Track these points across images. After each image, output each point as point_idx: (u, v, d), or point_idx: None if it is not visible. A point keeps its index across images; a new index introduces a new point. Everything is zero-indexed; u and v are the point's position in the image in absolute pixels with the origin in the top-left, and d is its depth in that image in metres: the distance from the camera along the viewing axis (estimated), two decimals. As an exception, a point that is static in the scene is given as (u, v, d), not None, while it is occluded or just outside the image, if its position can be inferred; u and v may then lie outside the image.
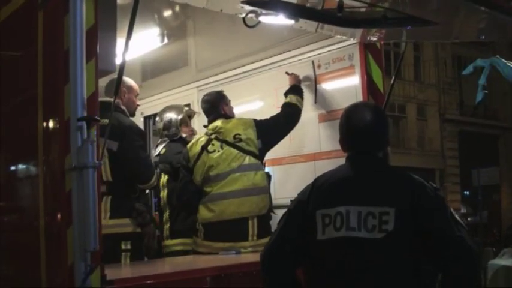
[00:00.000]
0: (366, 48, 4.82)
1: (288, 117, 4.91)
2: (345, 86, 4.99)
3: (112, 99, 3.41)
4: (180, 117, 5.45)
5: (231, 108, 5.07)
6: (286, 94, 5.02)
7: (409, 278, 2.60)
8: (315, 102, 5.18)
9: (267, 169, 4.93)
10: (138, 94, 4.83)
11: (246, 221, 4.57)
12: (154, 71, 6.62)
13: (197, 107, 6.07)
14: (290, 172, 5.37)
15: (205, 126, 4.99)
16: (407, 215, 2.59)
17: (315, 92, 5.17)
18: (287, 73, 5.20)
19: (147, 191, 5.05)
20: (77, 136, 2.83)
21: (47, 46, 3.09)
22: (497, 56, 8.19)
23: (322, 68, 5.15)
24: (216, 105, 4.95)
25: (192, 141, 5.00)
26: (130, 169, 4.42)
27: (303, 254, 2.82)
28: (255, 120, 4.83)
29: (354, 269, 2.61)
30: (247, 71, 5.75)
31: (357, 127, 2.85)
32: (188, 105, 6.21)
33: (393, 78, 4.77)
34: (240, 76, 5.82)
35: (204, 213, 4.70)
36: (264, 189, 4.71)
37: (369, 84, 4.77)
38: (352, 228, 2.64)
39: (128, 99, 4.69)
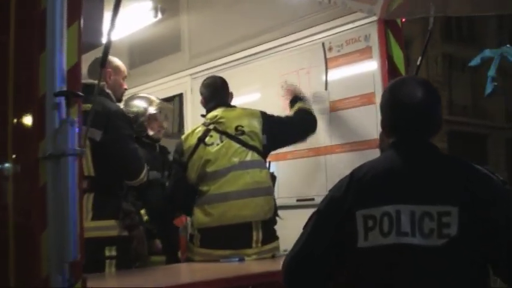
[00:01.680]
0: (386, 25, 4.27)
1: (305, 123, 4.31)
2: (361, 70, 4.43)
3: (96, 82, 2.84)
4: (149, 110, 4.73)
5: (231, 98, 4.50)
6: (292, 103, 4.43)
7: (472, 279, 2.08)
8: (326, 89, 4.63)
9: (272, 168, 4.37)
10: (125, 76, 4.25)
11: (249, 226, 4.01)
12: (143, 57, 6.08)
13: (190, 97, 5.57)
14: (296, 168, 4.81)
15: (203, 116, 4.39)
16: (472, 213, 2.05)
17: (326, 78, 4.63)
18: (282, 86, 4.63)
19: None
20: (54, 116, 2.27)
21: (20, 6, 2.51)
22: (508, 45, 7.72)
23: (334, 50, 4.59)
24: (219, 91, 4.39)
25: (187, 132, 4.42)
26: (116, 162, 3.81)
27: (339, 263, 2.28)
28: (262, 112, 4.25)
29: (410, 277, 2.08)
30: (248, 56, 5.16)
31: (404, 104, 2.26)
32: (180, 95, 5.69)
33: (420, 58, 4.23)
34: (239, 62, 5.23)
35: (200, 216, 4.11)
36: (269, 190, 4.15)
37: (390, 68, 4.22)
38: (405, 233, 2.09)
39: (114, 81, 4.10)
